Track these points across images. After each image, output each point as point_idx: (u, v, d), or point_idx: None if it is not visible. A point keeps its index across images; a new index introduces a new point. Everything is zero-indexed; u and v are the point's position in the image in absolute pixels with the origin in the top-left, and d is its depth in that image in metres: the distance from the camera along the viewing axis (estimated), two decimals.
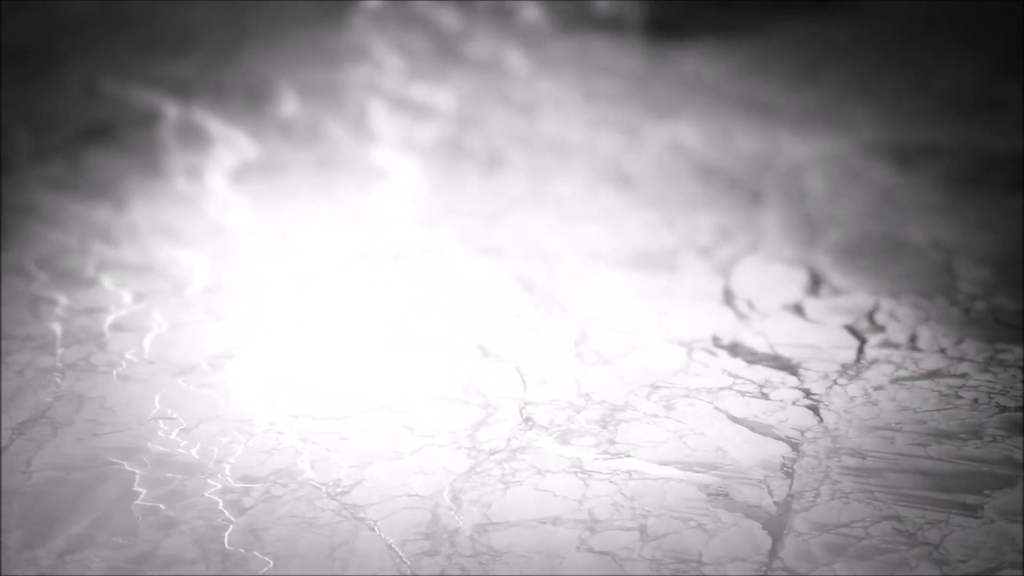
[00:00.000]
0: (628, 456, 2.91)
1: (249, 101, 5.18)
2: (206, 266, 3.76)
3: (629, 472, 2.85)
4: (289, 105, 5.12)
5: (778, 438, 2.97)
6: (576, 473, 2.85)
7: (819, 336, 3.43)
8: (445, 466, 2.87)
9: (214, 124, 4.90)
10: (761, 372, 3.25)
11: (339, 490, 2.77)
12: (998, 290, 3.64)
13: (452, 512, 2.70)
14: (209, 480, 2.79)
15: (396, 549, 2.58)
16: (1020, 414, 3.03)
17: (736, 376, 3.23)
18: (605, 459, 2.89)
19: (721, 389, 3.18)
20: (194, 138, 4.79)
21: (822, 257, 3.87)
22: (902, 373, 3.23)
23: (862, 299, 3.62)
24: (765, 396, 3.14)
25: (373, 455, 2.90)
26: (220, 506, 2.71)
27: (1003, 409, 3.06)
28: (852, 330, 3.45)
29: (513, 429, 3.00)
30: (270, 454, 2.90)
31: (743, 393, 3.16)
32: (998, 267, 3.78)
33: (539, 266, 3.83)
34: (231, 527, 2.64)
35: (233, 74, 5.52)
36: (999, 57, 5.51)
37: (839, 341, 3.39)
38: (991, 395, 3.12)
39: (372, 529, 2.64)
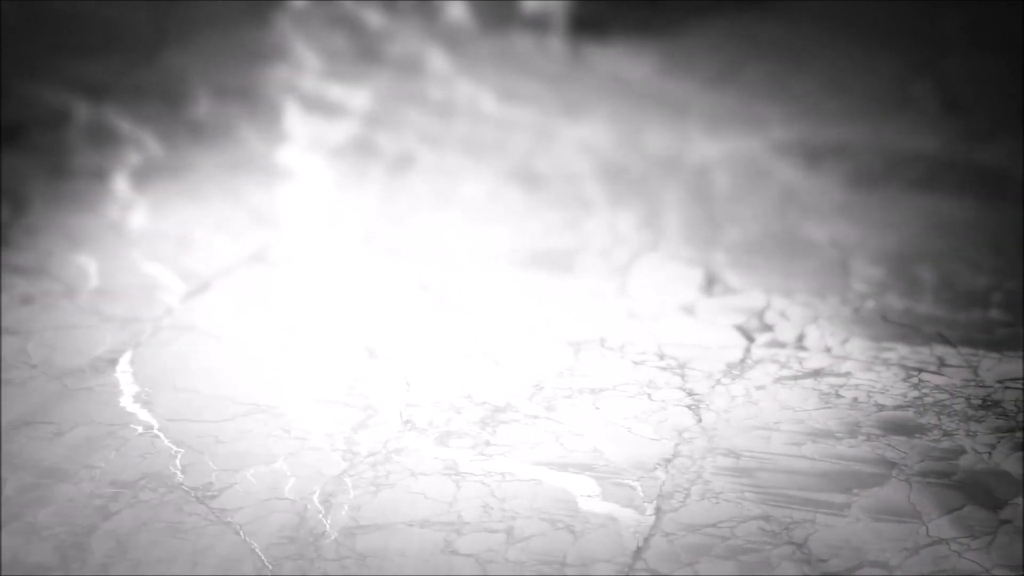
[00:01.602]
0: (503, 457, 2.90)
1: (163, 102, 5.14)
2: (98, 268, 3.72)
3: (503, 474, 2.84)
4: (202, 106, 5.08)
5: (655, 439, 2.97)
6: (450, 475, 2.84)
7: (708, 336, 3.43)
8: (319, 469, 2.85)
9: (124, 125, 4.86)
10: (646, 372, 3.25)
11: (209, 494, 2.75)
12: (889, 289, 3.66)
13: (320, 515, 2.69)
14: (77, 485, 2.76)
15: (259, 553, 2.57)
16: (897, 413, 3.04)
17: (621, 377, 3.23)
18: (480, 460, 2.88)
19: (604, 390, 3.18)
20: (103, 139, 4.75)
21: (719, 256, 3.88)
22: (786, 372, 3.24)
23: (754, 298, 3.63)
24: (648, 396, 3.14)
25: (247, 458, 2.89)
26: (86, 512, 2.68)
27: (881, 408, 3.08)
28: (741, 329, 3.46)
29: (392, 431, 2.99)
30: (143, 458, 2.88)
31: (626, 394, 3.15)
32: (892, 266, 3.80)
33: (438, 267, 3.82)
34: (94, 533, 2.61)
35: (150, 75, 5.48)
36: (916, 57, 5.54)
37: (727, 341, 3.40)
38: (871, 394, 3.13)
39: (237, 533, 2.63)
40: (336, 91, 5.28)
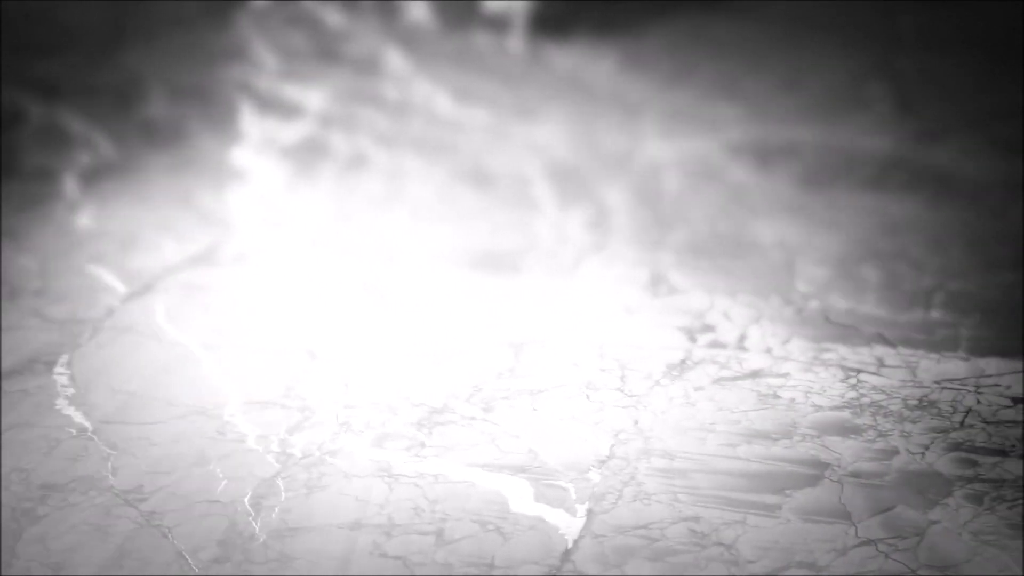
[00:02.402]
0: (437, 459, 2.89)
1: (118, 101, 5.12)
2: (40, 269, 3.70)
3: (436, 475, 2.83)
4: (157, 106, 5.06)
5: (591, 440, 2.97)
6: (383, 477, 2.83)
7: (650, 337, 3.43)
8: (251, 471, 2.84)
9: (77, 125, 4.83)
10: (586, 373, 3.25)
11: (139, 497, 2.74)
12: (833, 290, 3.66)
13: (250, 518, 2.67)
14: (7, 488, 2.74)
15: (186, 556, 2.55)
16: (834, 413, 3.05)
17: (560, 378, 3.22)
18: (414, 462, 2.88)
19: (543, 391, 3.17)
20: (55, 139, 4.72)
21: (666, 256, 3.88)
22: (725, 373, 3.24)
23: (698, 299, 3.63)
24: (586, 397, 3.13)
25: (180, 461, 2.87)
26: (13, 515, 2.66)
27: (818, 409, 3.08)
28: (683, 330, 3.46)
29: (327, 433, 2.98)
30: (75, 461, 2.86)
31: (565, 395, 3.15)
32: (837, 266, 3.80)
33: (384, 267, 3.81)
34: (20, 537, 2.59)
35: (106, 74, 5.45)
36: (872, 57, 5.55)
37: (669, 342, 3.40)
38: (808, 394, 3.14)
39: (166, 536, 2.61)
40: (292, 91, 5.27)
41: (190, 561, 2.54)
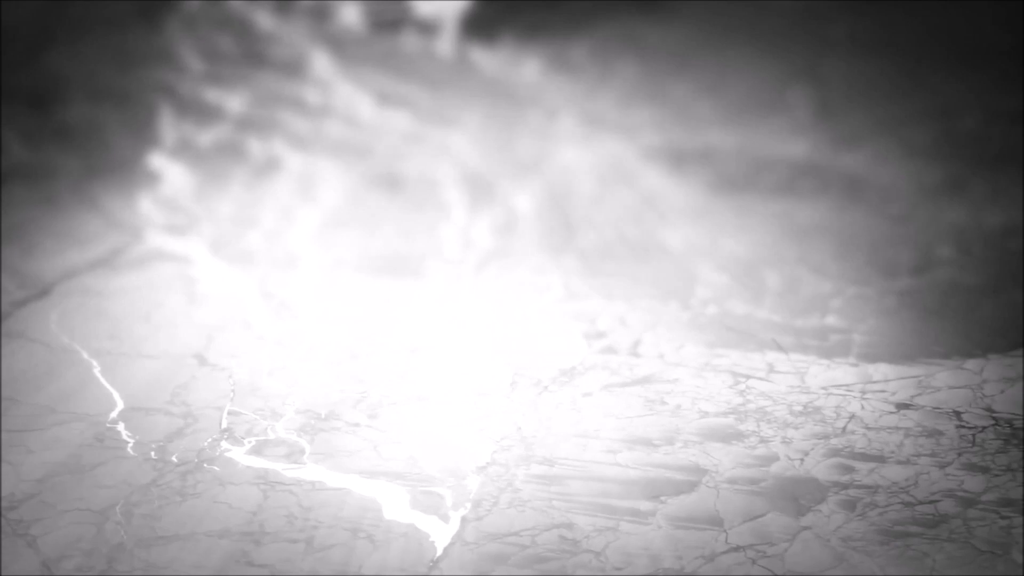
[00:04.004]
0: (316, 466, 2.87)
1: (35, 104, 5.06)
2: None
3: (313, 483, 2.81)
4: (75, 108, 5.01)
5: (473, 447, 2.95)
6: (259, 484, 2.80)
7: (545, 342, 3.42)
8: (126, 479, 2.82)
9: None
10: (477, 379, 3.23)
11: (7, 506, 2.70)
12: (733, 295, 3.66)
13: (119, 526, 2.65)
14: None
15: (48, 566, 2.52)
16: (718, 420, 3.05)
17: (450, 384, 3.21)
18: (292, 469, 2.86)
19: (430, 397, 3.15)
20: None
21: (571, 262, 3.87)
22: (615, 379, 3.23)
23: (597, 304, 3.61)
24: (474, 403, 3.12)
25: (55, 468, 2.84)
26: None
27: (703, 415, 3.08)
28: (579, 336, 3.45)
29: (208, 440, 2.95)
30: None
31: (452, 401, 3.14)
32: (740, 271, 3.80)
33: (284, 273, 3.78)
34: None
35: (28, 76, 5.39)
36: (797, 61, 5.54)
37: (564, 347, 3.39)
38: (696, 400, 3.13)
39: (30, 546, 2.58)
40: (213, 94, 5.22)
41: (51, 571, 2.51)
